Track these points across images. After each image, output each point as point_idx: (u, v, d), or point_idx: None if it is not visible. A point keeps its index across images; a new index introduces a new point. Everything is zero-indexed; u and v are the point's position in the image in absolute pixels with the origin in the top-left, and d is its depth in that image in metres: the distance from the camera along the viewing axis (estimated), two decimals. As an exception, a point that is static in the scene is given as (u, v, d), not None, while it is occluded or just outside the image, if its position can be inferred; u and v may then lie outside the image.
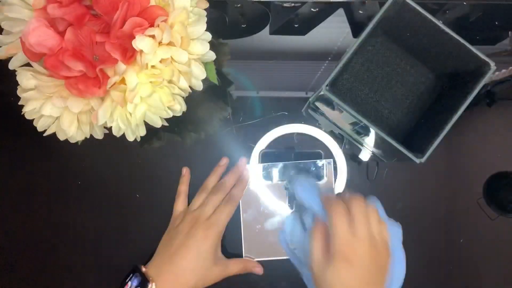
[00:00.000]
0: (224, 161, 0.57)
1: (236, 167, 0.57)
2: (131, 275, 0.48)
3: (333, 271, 0.39)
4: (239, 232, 0.56)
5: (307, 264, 0.44)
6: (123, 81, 0.43)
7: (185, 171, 0.57)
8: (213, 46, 0.47)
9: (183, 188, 0.56)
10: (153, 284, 0.47)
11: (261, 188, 0.57)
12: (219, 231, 0.51)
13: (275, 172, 0.57)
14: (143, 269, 0.49)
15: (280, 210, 0.56)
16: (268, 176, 0.57)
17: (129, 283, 0.48)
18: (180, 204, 0.55)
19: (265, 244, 0.56)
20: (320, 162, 0.57)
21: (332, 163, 0.57)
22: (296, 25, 0.63)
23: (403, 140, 0.54)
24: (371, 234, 0.41)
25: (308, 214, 0.48)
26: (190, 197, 0.56)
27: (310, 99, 0.54)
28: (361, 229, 0.40)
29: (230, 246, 0.55)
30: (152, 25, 0.42)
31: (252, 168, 0.57)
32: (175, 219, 0.54)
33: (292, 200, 0.56)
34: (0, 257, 0.56)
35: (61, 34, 0.41)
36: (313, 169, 0.57)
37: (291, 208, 0.56)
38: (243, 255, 0.55)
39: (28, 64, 0.44)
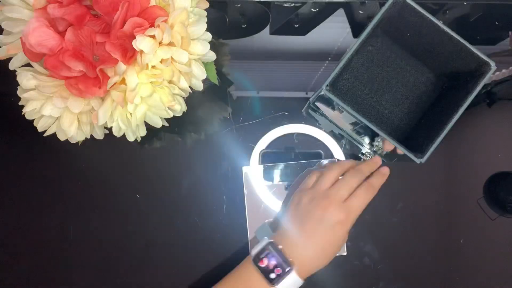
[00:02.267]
0: (379, 162, 0.52)
1: (372, 160, 0.52)
2: (266, 252, 0.46)
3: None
4: (243, 234, 0.56)
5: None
6: (123, 81, 0.43)
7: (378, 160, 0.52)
8: (213, 46, 0.47)
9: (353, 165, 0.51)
10: (294, 268, 0.45)
11: (262, 189, 0.56)
12: (355, 217, 0.47)
13: (277, 172, 0.57)
14: (280, 246, 0.46)
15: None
16: (269, 176, 0.56)
17: (265, 260, 0.45)
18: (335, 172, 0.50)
19: None
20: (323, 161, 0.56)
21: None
22: (296, 25, 0.63)
23: (403, 140, 0.54)
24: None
25: None
26: (192, 191, 0.56)
27: (310, 99, 0.54)
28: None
29: (235, 249, 0.55)
30: (152, 25, 0.42)
31: (254, 169, 0.57)
32: (307, 183, 0.50)
33: None
34: (1, 258, 0.56)
35: (61, 34, 0.41)
36: None
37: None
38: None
39: (28, 64, 0.44)
